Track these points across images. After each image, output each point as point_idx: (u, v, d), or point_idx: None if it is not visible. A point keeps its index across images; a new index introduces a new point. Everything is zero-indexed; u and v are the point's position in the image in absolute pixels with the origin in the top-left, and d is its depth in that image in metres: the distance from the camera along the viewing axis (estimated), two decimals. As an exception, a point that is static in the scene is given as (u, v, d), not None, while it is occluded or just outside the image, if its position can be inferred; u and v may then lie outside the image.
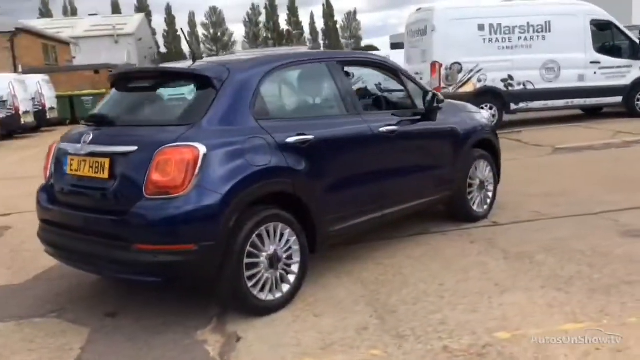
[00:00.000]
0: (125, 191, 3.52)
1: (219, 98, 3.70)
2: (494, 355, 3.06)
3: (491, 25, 12.24)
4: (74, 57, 39.51)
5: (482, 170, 5.57)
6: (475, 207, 5.52)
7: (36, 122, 21.13)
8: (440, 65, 12.10)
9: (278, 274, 3.78)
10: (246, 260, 3.58)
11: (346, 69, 4.65)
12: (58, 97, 24.39)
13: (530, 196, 6.44)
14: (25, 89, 20.42)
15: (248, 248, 3.59)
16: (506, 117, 12.94)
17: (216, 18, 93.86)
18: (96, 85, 26.68)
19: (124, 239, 3.47)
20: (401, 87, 5.08)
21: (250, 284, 3.62)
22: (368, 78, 5.45)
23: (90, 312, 4.01)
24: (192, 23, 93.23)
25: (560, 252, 4.57)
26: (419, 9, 13.24)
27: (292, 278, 3.89)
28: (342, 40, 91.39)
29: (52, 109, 23.03)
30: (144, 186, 3.41)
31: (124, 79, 4.35)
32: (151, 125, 3.80)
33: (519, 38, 12.43)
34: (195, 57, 4.26)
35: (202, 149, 3.43)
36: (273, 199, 3.81)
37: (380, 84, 5.30)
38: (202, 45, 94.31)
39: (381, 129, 4.50)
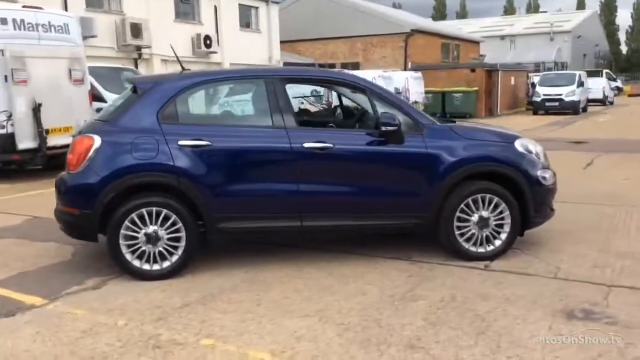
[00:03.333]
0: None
1: (136, 103, 4.77)
2: (175, 349, 3.49)
3: None
4: (482, 55, 41.26)
5: (486, 206, 4.94)
6: (468, 245, 4.97)
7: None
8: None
9: (156, 251, 4.65)
10: (124, 232, 4.60)
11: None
12: (430, 93, 26.74)
13: (600, 251, 5.19)
14: (389, 84, 23.19)
15: (126, 222, 4.59)
16: None
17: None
18: (470, 84, 28.16)
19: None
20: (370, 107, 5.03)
21: (125, 250, 4.62)
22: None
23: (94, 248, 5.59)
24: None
25: (451, 306, 4.05)
26: None
27: (174, 258, 4.70)
28: None
29: (415, 102, 25.39)
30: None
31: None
32: (101, 120, 5.07)
33: None
34: (183, 69, 5.31)
35: (97, 140, 4.60)
36: (161, 188, 4.66)
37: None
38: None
39: (305, 145, 4.72)
